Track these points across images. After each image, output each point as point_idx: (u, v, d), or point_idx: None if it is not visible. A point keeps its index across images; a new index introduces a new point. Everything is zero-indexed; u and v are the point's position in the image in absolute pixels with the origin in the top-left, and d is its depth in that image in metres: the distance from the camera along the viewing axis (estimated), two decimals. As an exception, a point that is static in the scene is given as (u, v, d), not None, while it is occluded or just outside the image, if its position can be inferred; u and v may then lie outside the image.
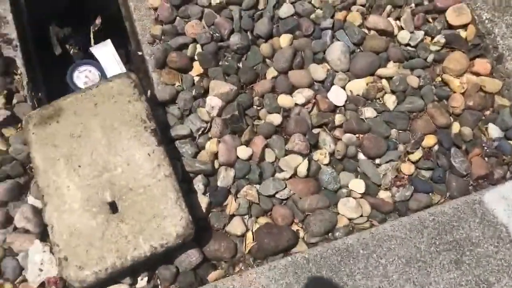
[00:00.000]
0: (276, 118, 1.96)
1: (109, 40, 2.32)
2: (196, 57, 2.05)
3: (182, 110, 1.94)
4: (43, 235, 1.64)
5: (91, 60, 2.31)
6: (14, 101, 1.88)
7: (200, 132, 1.89)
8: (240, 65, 2.07)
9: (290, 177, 1.88)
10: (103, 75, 2.25)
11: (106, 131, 1.72)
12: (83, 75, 2.26)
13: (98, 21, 2.47)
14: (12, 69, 1.94)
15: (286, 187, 1.85)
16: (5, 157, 1.75)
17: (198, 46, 2.06)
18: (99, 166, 1.67)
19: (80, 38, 2.48)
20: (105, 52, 2.30)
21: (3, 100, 1.83)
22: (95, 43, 2.50)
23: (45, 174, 1.68)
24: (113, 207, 1.61)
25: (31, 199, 1.73)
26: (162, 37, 2.08)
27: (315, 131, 1.98)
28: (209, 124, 1.91)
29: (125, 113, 1.76)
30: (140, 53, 2.15)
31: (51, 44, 2.36)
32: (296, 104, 2.00)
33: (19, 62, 1.96)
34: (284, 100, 1.99)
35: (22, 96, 1.91)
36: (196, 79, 2.03)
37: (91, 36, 2.49)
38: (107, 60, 2.28)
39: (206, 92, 1.99)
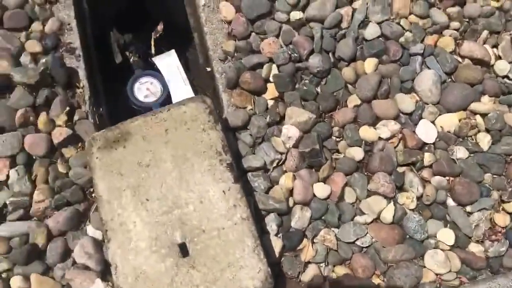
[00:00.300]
0: (357, 153, 1.77)
1: (173, 51, 2.16)
2: (271, 79, 1.86)
3: (255, 137, 1.76)
4: (105, 273, 1.49)
5: (153, 71, 2.14)
6: (76, 117, 1.72)
7: (274, 165, 1.71)
8: (319, 89, 1.87)
9: (372, 222, 1.69)
10: (165, 88, 2.08)
11: (178, 162, 1.56)
12: (144, 87, 2.10)
13: (160, 27, 2.31)
14: (75, 82, 1.78)
15: (367, 233, 1.66)
16: (65, 181, 1.60)
17: (274, 66, 1.87)
18: (169, 201, 1.51)
19: (140, 46, 2.31)
20: (169, 63, 2.13)
21: (65, 117, 1.67)
22: (156, 51, 2.33)
23: (109, 205, 1.52)
24: (183, 250, 1.45)
25: (91, 230, 1.58)
26: (235, 54, 1.90)
27: (400, 169, 1.77)
28: (284, 156, 1.72)
29: (199, 142, 1.58)
30: (208, 69, 1.97)
31: (110, 52, 2.21)
32: (380, 138, 1.80)
33: (82, 73, 1.81)
34: (367, 132, 1.79)
35: (84, 112, 1.76)
36: (270, 103, 1.85)
37: (152, 43, 2.32)
38: (170, 73, 2.12)
39: (281, 119, 1.80)
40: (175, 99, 2.09)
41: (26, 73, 1.66)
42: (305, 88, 1.83)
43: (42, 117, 1.66)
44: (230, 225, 1.48)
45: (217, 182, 1.53)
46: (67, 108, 1.68)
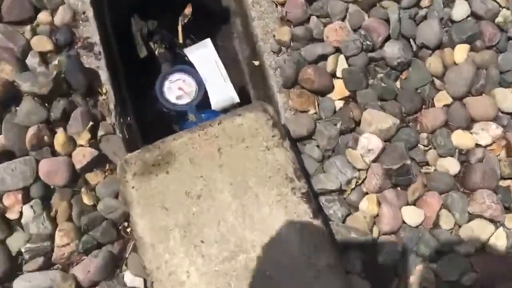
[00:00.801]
0: (452, 165, 1.42)
1: (208, 40, 1.77)
2: (338, 74, 1.49)
3: (323, 150, 1.41)
4: (153, 338, 1.16)
5: (185, 66, 1.77)
6: (100, 132, 1.36)
7: (352, 186, 1.35)
8: (398, 85, 1.49)
9: (475, 251, 1.34)
10: (200, 87, 1.71)
11: (237, 192, 1.21)
12: (175, 86, 1.73)
13: (188, 10, 1.91)
14: (96, 87, 1.41)
15: (472, 267, 1.31)
16: (93, 216, 1.26)
17: (342, 58, 1.50)
18: (231, 244, 1.17)
19: (166, 34, 1.92)
20: (205, 56, 1.75)
21: (88, 135, 1.31)
22: (184, 40, 1.94)
23: (154, 250, 1.18)
24: (253, 309, 1.11)
25: (129, 277, 1.26)
26: (291, 44, 1.52)
27: (502, 182, 1.42)
28: (363, 174, 1.37)
29: (262, 165, 1.23)
30: (256, 63, 1.59)
31: (131, 44, 1.82)
32: (477, 145, 1.45)
33: (104, 76, 1.44)
34: (461, 138, 1.44)
35: (109, 125, 1.39)
36: (339, 104, 1.48)
37: (179, 30, 1.93)
38: (206, 68, 1.74)
39: (356, 125, 1.43)
40: (213, 100, 1.71)
41: (36, 80, 1.30)
42: (383, 84, 1.46)
43: (60, 135, 1.30)
44: (312, 276, 1.13)
45: (290, 217, 1.18)
46: (90, 123, 1.32)
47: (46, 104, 1.35)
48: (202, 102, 1.75)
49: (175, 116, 1.77)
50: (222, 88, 1.75)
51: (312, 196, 1.22)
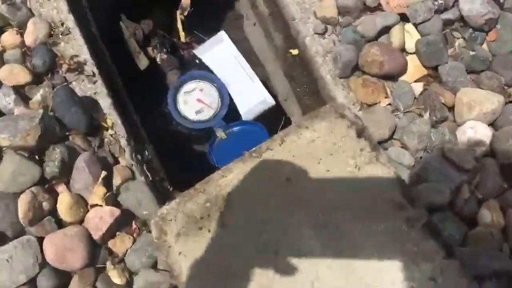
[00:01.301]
0: None
1: (223, 33, 1.39)
2: (410, 49, 1.12)
3: (414, 152, 1.04)
4: None
5: (199, 71, 1.39)
6: (116, 180, 0.99)
7: (466, 195, 0.99)
8: (486, 49, 1.14)
9: None
10: (223, 92, 1.33)
11: (327, 236, 0.85)
12: (192, 99, 1.35)
13: (186, 1, 1.52)
14: (98, 120, 1.03)
15: None
16: (129, 298, 0.89)
17: (409, 27, 1.13)
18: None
19: (164, 35, 1.53)
20: (221, 53, 1.38)
21: (102, 189, 0.94)
22: (188, 38, 1.56)
23: None
24: None
25: None
26: (340, 20, 1.15)
27: None
28: (475, 175, 1.01)
29: (355, 193, 0.87)
30: (294, 52, 1.22)
31: (127, 53, 1.43)
32: None
33: (105, 103, 1.07)
34: None
35: (126, 167, 1.02)
36: (417, 88, 1.11)
37: (179, 27, 1.54)
38: (226, 68, 1.37)
39: (450, 110, 1.08)
40: (243, 107, 1.34)
41: (16, 128, 0.92)
42: (471, 53, 1.10)
43: (64, 197, 0.93)
44: None
45: (413, 262, 0.82)
46: (102, 173, 0.94)
47: (37, 157, 0.97)
48: (229, 112, 1.37)
49: (200, 136, 1.40)
50: (251, 90, 1.38)
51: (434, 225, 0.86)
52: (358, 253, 0.85)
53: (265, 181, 0.91)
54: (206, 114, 1.36)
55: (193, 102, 1.37)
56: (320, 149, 0.91)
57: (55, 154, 0.97)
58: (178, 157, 1.43)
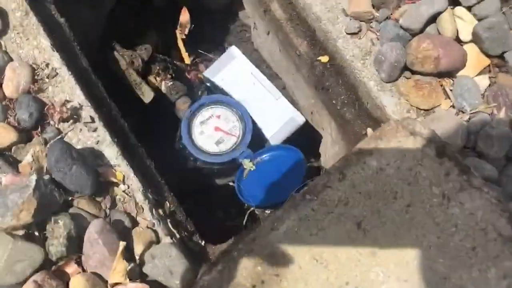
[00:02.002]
0: None
1: (234, 48, 1.19)
2: (465, 37, 0.93)
3: (497, 160, 0.83)
4: None
5: (213, 95, 1.19)
6: (137, 248, 0.79)
7: None
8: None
9: None
10: (244, 116, 1.13)
11: (429, 294, 0.63)
12: (209, 128, 1.16)
13: (184, 18, 1.33)
14: (106, 176, 0.83)
15: None
16: None
17: (461, 11, 0.94)
18: None
19: (165, 58, 1.34)
20: (235, 71, 1.19)
21: (123, 264, 0.74)
22: (194, 59, 1.36)
23: None
24: None
25: None
26: (375, 13, 0.95)
27: None
28: None
29: (449, 231, 0.67)
30: (324, 59, 1.02)
31: (126, 84, 1.23)
32: None
33: (111, 152, 0.87)
34: None
35: (147, 229, 0.82)
36: (482, 83, 0.92)
37: (181, 48, 1.35)
38: (243, 87, 1.17)
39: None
40: (269, 130, 1.14)
41: (5, 204, 0.71)
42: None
43: (77, 282, 0.73)
44: None
45: (546, 313, 0.61)
46: (122, 245, 0.74)
47: (37, 233, 0.76)
48: (254, 137, 1.17)
49: (224, 170, 1.19)
50: (276, 109, 1.18)
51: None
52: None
53: (329, 230, 0.70)
54: (228, 144, 1.16)
55: (211, 132, 1.17)
56: (394, 180, 0.71)
57: (59, 229, 0.77)
58: (203, 200, 1.23)
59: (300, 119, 1.18)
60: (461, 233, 0.68)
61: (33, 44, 0.93)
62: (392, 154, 0.73)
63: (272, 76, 1.48)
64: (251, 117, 1.18)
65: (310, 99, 1.27)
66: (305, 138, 1.29)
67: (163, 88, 1.28)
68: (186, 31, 1.34)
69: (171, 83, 1.28)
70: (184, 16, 1.35)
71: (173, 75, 1.31)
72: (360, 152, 0.74)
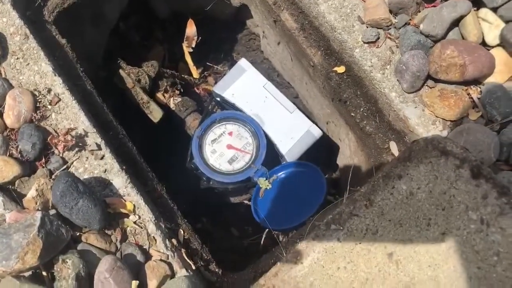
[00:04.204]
0: None
1: (244, 61, 1.13)
2: (492, 41, 0.86)
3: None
4: None
5: (225, 111, 1.14)
6: (151, 283, 0.73)
7: None
8: None
9: None
10: (257, 132, 1.08)
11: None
12: (222, 147, 1.10)
13: (191, 30, 1.27)
14: (116, 207, 0.78)
15: None
16: None
17: (486, 13, 0.88)
18: None
19: (173, 73, 1.29)
20: (246, 84, 1.13)
21: (137, 303, 0.68)
22: (202, 72, 1.31)
23: None
24: None
25: None
26: (393, 20, 0.89)
27: None
28: None
29: (490, 261, 0.59)
30: (340, 69, 0.96)
31: (132, 103, 1.18)
32: None
33: (120, 181, 0.82)
34: None
35: (161, 261, 0.77)
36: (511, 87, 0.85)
37: (189, 61, 1.30)
38: (256, 101, 1.11)
39: None
40: (285, 147, 1.09)
41: (9, 248, 0.66)
42: None
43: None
44: None
45: None
46: (134, 284, 0.69)
47: (44, 273, 0.71)
48: (269, 154, 1.12)
49: (239, 189, 1.14)
50: (291, 123, 1.12)
51: None
52: None
53: (358, 263, 0.64)
54: (242, 162, 1.11)
55: (223, 150, 1.12)
56: (426, 205, 0.65)
57: (67, 269, 0.72)
58: (217, 223, 1.18)
59: (317, 133, 1.12)
60: (504, 263, 0.62)
61: (33, 69, 0.89)
62: (422, 176, 0.66)
63: (284, 85, 1.42)
64: (265, 132, 1.12)
65: (326, 109, 1.21)
66: (320, 149, 1.23)
67: (171, 105, 1.23)
68: (193, 44, 1.29)
69: (180, 99, 1.23)
70: (191, 28, 1.30)
71: (182, 90, 1.26)
72: (388, 176, 0.68)
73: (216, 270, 0.90)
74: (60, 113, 0.87)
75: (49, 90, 0.88)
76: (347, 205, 0.68)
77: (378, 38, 0.93)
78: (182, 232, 0.90)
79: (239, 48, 1.46)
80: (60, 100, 0.88)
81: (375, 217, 0.66)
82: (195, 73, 1.31)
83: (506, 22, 0.89)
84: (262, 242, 1.10)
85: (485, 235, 0.63)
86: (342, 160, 1.28)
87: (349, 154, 1.20)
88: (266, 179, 1.08)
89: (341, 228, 0.67)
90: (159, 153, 1.20)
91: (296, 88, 1.38)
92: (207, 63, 1.36)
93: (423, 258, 0.64)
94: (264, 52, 1.41)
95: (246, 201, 1.21)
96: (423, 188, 0.66)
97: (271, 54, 1.37)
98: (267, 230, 1.09)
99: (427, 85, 0.91)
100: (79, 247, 0.78)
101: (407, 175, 0.67)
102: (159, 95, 1.23)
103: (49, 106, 0.87)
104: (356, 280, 0.65)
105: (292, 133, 1.11)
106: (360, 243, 0.66)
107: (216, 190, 1.16)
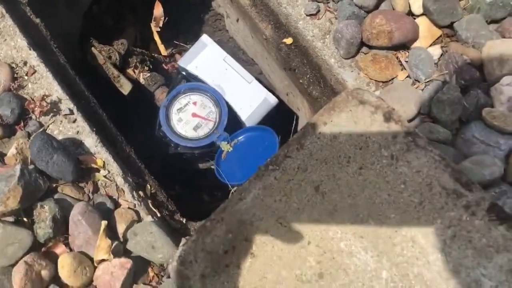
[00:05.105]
0: None
1: (205, 36, 1.25)
2: (417, 10, 0.99)
3: (449, 123, 0.92)
4: None
5: (189, 83, 1.25)
6: (120, 226, 0.85)
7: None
8: (502, -5, 0.99)
9: None
10: (219, 101, 1.20)
11: (378, 245, 0.72)
12: (187, 115, 1.21)
13: (158, 11, 1.38)
14: (87, 162, 0.89)
15: None
16: None
17: (412, -14, 1.00)
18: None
19: (142, 51, 1.40)
20: (207, 58, 1.24)
21: (106, 241, 0.81)
22: (170, 50, 1.42)
23: None
24: None
25: None
26: (333, -5, 1.01)
27: None
28: (523, 136, 0.87)
29: (399, 188, 0.74)
30: (287, 40, 1.08)
31: (104, 77, 1.29)
32: None
33: (90, 141, 0.94)
34: None
35: (129, 209, 0.88)
36: (435, 52, 0.98)
37: (157, 40, 1.40)
38: (217, 74, 1.23)
39: (479, 71, 0.94)
40: (244, 113, 1.21)
41: (-8, 193, 0.77)
42: (487, 0, 0.95)
43: (64, 260, 0.80)
44: None
45: (486, 257, 0.68)
46: (103, 222, 0.81)
47: (25, 219, 0.83)
48: (230, 121, 1.23)
49: (204, 154, 1.26)
50: (249, 93, 1.24)
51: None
52: (421, 256, 0.71)
53: (290, 195, 0.77)
54: (206, 128, 1.23)
55: (189, 118, 1.23)
56: (346, 146, 0.77)
57: (45, 213, 0.83)
58: (184, 182, 1.29)
59: (273, 100, 1.24)
60: (409, 189, 0.75)
61: (10, 44, 0.99)
62: (344, 122, 0.79)
63: (249, 62, 1.54)
64: (226, 101, 1.24)
65: (284, 81, 1.32)
66: (284, 119, 1.36)
67: (141, 80, 1.34)
68: (161, 24, 1.39)
69: (149, 74, 1.34)
70: (158, 9, 1.41)
71: (151, 67, 1.37)
72: (316, 123, 0.80)
73: (180, 219, 1.02)
74: (36, 83, 0.98)
75: (25, 63, 0.98)
76: (282, 149, 0.80)
77: (319, 11, 1.05)
78: (149, 187, 1.02)
79: (206, 28, 1.57)
80: (35, 72, 0.99)
81: (305, 157, 0.79)
82: (163, 51, 1.42)
83: (427, -7, 1.01)
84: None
85: (395, 168, 0.76)
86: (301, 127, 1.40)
87: (305, 120, 1.32)
88: (228, 143, 1.20)
89: (277, 168, 0.79)
90: (131, 123, 1.31)
91: (259, 64, 1.49)
92: (176, 42, 1.46)
93: (345, 189, 0.77)
94: (229, 31, 1.52)
95: (212, 167, 1.33)
96: (344, 131, 0.79)
97: (235, 33, 1.48)
98: (232, 190, 1.21)
99: (361, 52, 1.03)
100: (56, 196, 0.89)
101: (331, 122, 0.79)
102: (130, 71, 1.34)
103: (26, 77, 0.98)
104: (289, 210, 0.77)
105: (250, 101, 1.23)
106: (292, 180, 0.78)
107: (184, 156, 1.28)
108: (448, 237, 0.72)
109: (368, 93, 0.78)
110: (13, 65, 0.97)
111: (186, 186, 1.45)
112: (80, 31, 1.37)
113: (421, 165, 0.75)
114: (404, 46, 1.00)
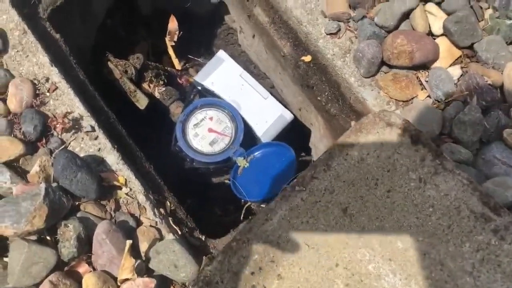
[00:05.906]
0: None
1: (222, 52, 1.25)
2: (437, 31, 1.00)
3: (469, 144, 0.92)
4: None
5: (205, 98, 1.26)
6: (142, 245, 0.85)
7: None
8: (520, 16, 1.00)
9: None
10: (235, 116, 1.20)
11: (407, 267, 0.71)
12: (203, 130, 1.22)
13: (173, 25, 1.39)
14: (109, 180, 0.89)
15: None
16: None
17: (431, 7, 1.03)
18: None
19: (157, 65, 1.40)
20: (224, 74, 1.25)
21: (130, 261, 0.80)
22: (184, 64, 1.42)
23: None
24: None
25: None
26: (353, 13, 1.02)
27: None
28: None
29: (427, 211, 0.74)
30: (306, 58, 1.09)
31: (120, 92, 1.29)
32: None
33: (112, 158, 0.94)
34: None
35: (151, 227, 0.88)
36: (455, 72, 0.99)
37: (172, 54, 1.41)
38: (233, 89, 1.23)
39: (498, 91, 0.95)
40: (260, 129, 1.21)
41: (18, 211, 0.77)
42: (508, 21, 0.97)
43: (89, 280, 0.80)
44: None
45: (516, 279, 0.68)
46: (128, 243, 0.80)
47: (48, 238, 0.82)
48: (246, 136, 1.24)
49: (219, 168, 1.26)
50: (265, 108, 1.25)
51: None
52: (450, 279, 0.71)
53: (318, 217, 0.77)
54: (222, 144, 1.23)
55: (205, 134, 1.23)
56: (374, 168, 0.78)
57: (69, 232, 0.83)
58: (201, 198, 1.29)
59: (289, 116, 1.25)
60: (437, 213, 0.75)
61: (32, 61, 0.99)
62: (371, 144, 0.79)
63: (260, 76, 1.54)
64: (242, 117, 1.24)
65: (298, 97, 1.33)
66: (295, 134, 1.36)
67: (156, 94, 1.34)
68: (175, 38, 1.40)
69: (164, 88, 1.34)
70: (173, 23, 1.41)
71: (165, 81, 1.37)
72: (343, 145, 0.81)
73: (200, 236, 1.02)
74: (57, 99, 0.98)
75: (47, 79, 0.98)
76: (309, 170, 0.81)
77: (339, 30, 1.06)
78: (168, 203, 1.02)
79: (219, 42, 1.58)
80: (57, 88, 0.98)
81: (332, 179, 0.79)
82: (178, 65, 1.43)
83: (448, 14, 1.02)
84: (242, 216, 1.22)
85: (423, 191, 0.77)
86: (314, 142, 1.40)
87: (319, 136, 1.33)
88: (244, 158, 1.20)
89: (304, 189, 0.79)
90: (147, 138, 1.31)
91: (272, 78, 1.50)
92: (189, 56, 1.47)
93: (372, 212, 0.77)
94: (241, 45, 1.52)
95: (226, 181, 1.33)
96: (371, 154, 0.79)
97: (247, 47, 1.49)
98: (246, 205, 1.21)
99: (382, 71, 1.04)
100: (78, 214, 0.89)
101: (358, 144, 0.80)
102: (145, 85, 1.34)
103: (48, 93, 0.98)
104: (317, 232, 0.77)
105: (266, 117, 1.23)
106: (319, 201, 0.78)
107: (199, 171, 1.28)
108: (477, 261, 0.72)
109: (395, 115, 0.79)
110: (35, 82, 0.97)
111: (198, 199, 1.44)
112: (94, 44, 1.37)
113: (449, 189, 0.75)
114: (424, 66, 1.01)
